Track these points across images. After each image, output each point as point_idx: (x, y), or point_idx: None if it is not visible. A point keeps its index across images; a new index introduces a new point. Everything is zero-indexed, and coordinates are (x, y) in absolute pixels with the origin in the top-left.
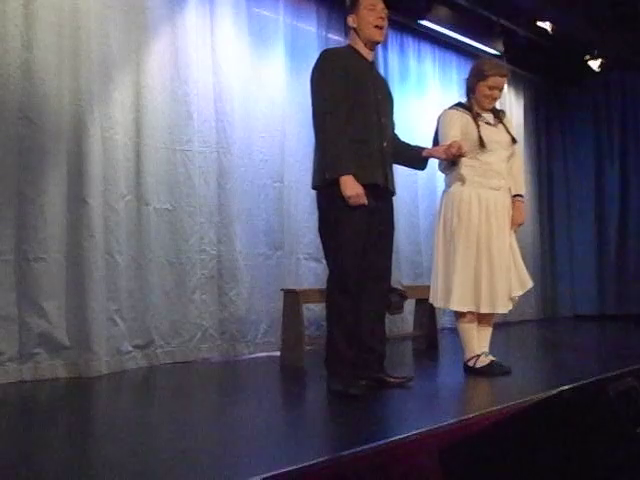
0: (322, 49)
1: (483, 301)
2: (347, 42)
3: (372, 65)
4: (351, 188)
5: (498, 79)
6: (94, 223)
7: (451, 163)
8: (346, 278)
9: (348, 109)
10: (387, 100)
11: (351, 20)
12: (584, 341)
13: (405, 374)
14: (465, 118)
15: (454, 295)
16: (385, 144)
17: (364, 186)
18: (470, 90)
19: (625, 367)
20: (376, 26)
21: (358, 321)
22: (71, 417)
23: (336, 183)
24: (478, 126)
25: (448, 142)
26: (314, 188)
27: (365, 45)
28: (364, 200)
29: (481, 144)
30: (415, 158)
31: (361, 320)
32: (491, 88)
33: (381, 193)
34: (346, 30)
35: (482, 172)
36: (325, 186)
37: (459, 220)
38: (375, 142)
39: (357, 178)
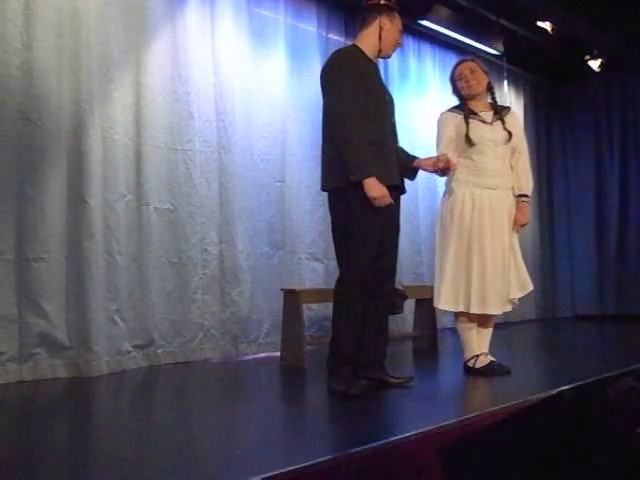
0: (322, 49)
1: (473, 301)
2: (353, 42)
3: (377, 68)
4: (377, 189)
5: (459, 67)
6: (94, 223)
7: (440, 174)
8: (363, 278)
9: (364, 110)
10: (391, 103)
11: (383, 21)
12: (584, 341)
13: (405, 374)
14: (458, 119)
15: (442, 295)
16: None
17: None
18: (458, 95)
19: (625, 367)
20: (394, 46)
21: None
22: (71, 417)
23: (356, 185)
24: (467, 125)
25: (443, 143)
26: (327, 190)
27: (375, 52)
28: (389, 200)
29: (468, 142)
30: (406, 167)
31: (364, 320)
32: (459, 78)
33: (396, 192)
34: (346, 27)
35: (476, 171)
36: (341, 189)
37: (451, 220)
38: (389, 143)
39: (379, 180)
